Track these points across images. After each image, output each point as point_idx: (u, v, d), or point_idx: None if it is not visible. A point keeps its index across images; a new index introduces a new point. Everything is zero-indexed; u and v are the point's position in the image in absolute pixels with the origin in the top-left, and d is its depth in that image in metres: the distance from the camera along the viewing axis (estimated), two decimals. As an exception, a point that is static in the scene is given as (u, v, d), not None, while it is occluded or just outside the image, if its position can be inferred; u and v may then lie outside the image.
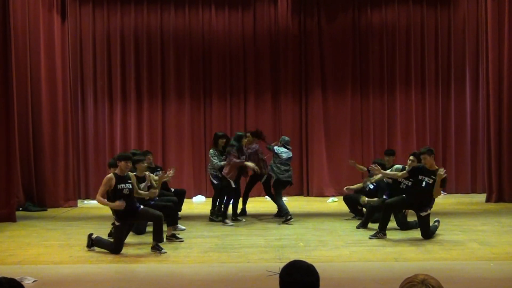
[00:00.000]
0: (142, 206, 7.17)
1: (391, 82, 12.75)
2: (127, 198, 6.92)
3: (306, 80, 12.73)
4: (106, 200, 6.90)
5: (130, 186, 7.00)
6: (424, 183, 7.47)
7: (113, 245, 6.90)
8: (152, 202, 7.81)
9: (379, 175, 8.32)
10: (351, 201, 9.20)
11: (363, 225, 8.35)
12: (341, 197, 11.55)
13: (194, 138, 12.70)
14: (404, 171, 7.84)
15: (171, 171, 8.21)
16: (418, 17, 12.77)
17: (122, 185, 6.93)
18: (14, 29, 10.16)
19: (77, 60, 12.41)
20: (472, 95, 12.75)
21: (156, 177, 8.14)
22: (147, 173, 7.98)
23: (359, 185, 9.27)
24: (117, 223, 6.92)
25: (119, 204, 6.82)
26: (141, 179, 7.86)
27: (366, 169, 9.18)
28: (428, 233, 7.57)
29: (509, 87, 11.13)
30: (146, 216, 7.25)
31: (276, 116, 12.77)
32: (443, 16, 12.78)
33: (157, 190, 7.71)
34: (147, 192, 7.53)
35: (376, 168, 7.87)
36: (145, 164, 8.16)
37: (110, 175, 7.00)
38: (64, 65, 11.32)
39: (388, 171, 8.28)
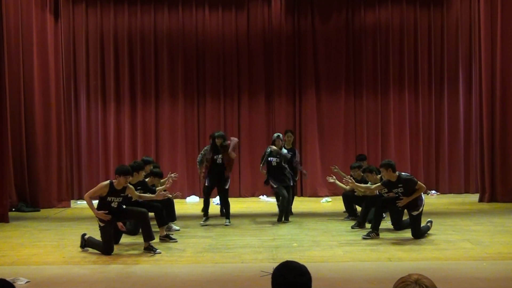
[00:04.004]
0: (124, 206, 7.14)
1: (384, 82, 12.78)
2: (113, 210, 6.89)
3: (300, 80, 12.74)
4: (92, 204, 6.87)
5: (121, 200, 6.95)
6: (398, 194, 7.60)
7: (103, 246, 6.87)
8: (140, 200, 7.75)
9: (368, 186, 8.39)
10: (349, 199, 9.21)
11: (359, 225, 8.36)
12: (335, 197, 11.66)
13: (187, 138, 12.68)
14: (379, 184, 7.91)
15: (173, 175, 8.61)
16: (412, 17, 12.81)
17: (113, 197, 6.88)
18: (6, 29, 10.14)
19: (70, 60, 12.37)
20: (465, 95, 12.80)
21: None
22: (158, 188, 8.00)
23: (346, 187, 9.19)
24: (101, 224, 6.89)
25: (104, 216, 6.78)
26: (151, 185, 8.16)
27: (346, 186, 9.13)
28: (419, 232, 7.59)
29: (502, 87, 11.18)
30: (130, 215, 7.23)
31: (270, 116, 12.78)
32: (436, 17, 12.82)
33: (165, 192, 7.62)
34: (152, 195, 7.52)
35: (350, 181, 8.11)
36: (159, 180, 8.46)
37: (106, 183, 6.93)
38: (57, 64, 11.28)
39: (361, 185, 8.34)
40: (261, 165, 9.50)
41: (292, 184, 9.43)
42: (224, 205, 9.16)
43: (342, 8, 12.76)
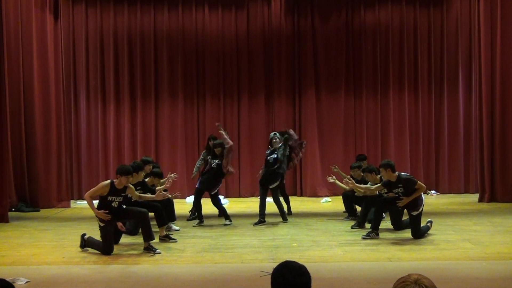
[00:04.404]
0: (124, 206, 7.14)
1: (384, 82, 12.78)
2: (114, 210, 6.88)
3: (300, 80, 12.74)
4: (93, 204, 6.87)
5: (121, 199, 6.96)
6: (398, 194, 7.59)
7: (103, 246, 6.87)
8: (140, 200, 7.74)
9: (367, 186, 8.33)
10: (349, 199, 9.21)
11: (359, 225, 8.35)
12: (335, 197, 11.67)
13: (187, 138, 12.69)
14: (379, 184, 7.91)
15: (172, 175, 8.49)
16: (411, 17, 12.81)
17: (114, 197, 6.88)
18: (6, 28, 10.14)
19: (70, 60, 12.38)
20: (464, 96, 12.80)
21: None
22: (158, 188, 7.92)
23: (346, 187, 9.14)
24: (101, 224, 6.89)
25: (104, 216, 6.78)
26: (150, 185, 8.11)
27: (346, 187, 8.99)
28: (419, 232, 7.59)
29: (502, 87, 11.18)
30: (130, 215, 7.23)
31: (270, 116, 12.78)
32: (436, 17, 12.83)
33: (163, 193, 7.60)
34: (152, 195, 7.53)
35: (350, 181, 8.01)
36: (159, 180, 8.43)
37: (107, 183, 6.93)
38: (57, 64, 11.28)
39: (361, 185, 8.31)
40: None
41: (275, 185, 9.15)
42: (217, 207, 9.23)
43: (342, 8, 12.76)
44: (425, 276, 2.25)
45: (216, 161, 8.92)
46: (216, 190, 9.11)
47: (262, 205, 9.00)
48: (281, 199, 9.41)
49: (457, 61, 12.79)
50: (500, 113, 11.20)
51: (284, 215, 9.23)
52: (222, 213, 9.18)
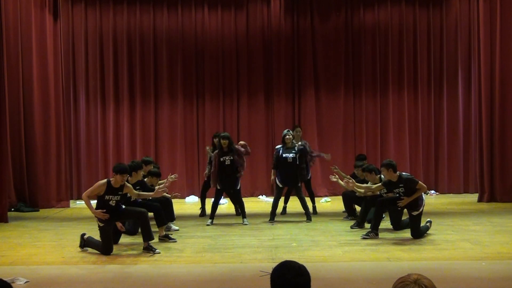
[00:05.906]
0: (124, 206, 7.14)
1: (383, 82, 12.79)
2: (112, 209, 6.88)
3: (299, 80, 12.74)
4: (90, 203, 6.86)
5: (119, 198, 6.94)
6: (398, 194, 7.58)
7: (102, 246, 6.87)
8: (139, 200, 7.74)
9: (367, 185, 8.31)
10: (349, 199, 9.20)
11: (359, 225, 8.35)
12: (334, 197, 11.66)
13: (187, 138, 12.69)
14: (379, 184, 7.91)
15: (173, 176, 8.34)
16: (411, 17, 12.83)
17: (111, 196, 6.86)
18: (6, 28, 10.13)
19: (69, 60, 12.38)
20: (464, 95, 12.81)
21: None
22: (157, 187, 7.86)
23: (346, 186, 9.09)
24: (100, 224, 6.89)
25: (102, 215, 6.77)
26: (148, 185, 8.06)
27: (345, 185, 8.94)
28: (418, 232, 7.59)
29: (501, 87, 11.19)
30: (129, 215, 7.23)
31: (269, 116, 12.78)
32: (435, 17, 12.84)
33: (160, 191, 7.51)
34: (151, 193, 7.50)
35: (351, 181, 7.96)
36: (158, 180, 8.38)
37: (103, 182, 6.92)
38: (56, 64, 11.28)
39: (362, 185, 8.27)
40: (273, 169, 9.36)
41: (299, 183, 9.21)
42: (239, 204, 9.16)
43: (341, 8, 12.76)
44: (425, 276, 2.24)
45: (229, 157, 8.77)
46: (239, 184, 9.05)
47: (275, 206, 9.16)
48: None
49: (456, 61, 12.80)
50: (499, 113, 11.21)
51: (309, 214, 9.18)
52: (241, 211, 9.09)
